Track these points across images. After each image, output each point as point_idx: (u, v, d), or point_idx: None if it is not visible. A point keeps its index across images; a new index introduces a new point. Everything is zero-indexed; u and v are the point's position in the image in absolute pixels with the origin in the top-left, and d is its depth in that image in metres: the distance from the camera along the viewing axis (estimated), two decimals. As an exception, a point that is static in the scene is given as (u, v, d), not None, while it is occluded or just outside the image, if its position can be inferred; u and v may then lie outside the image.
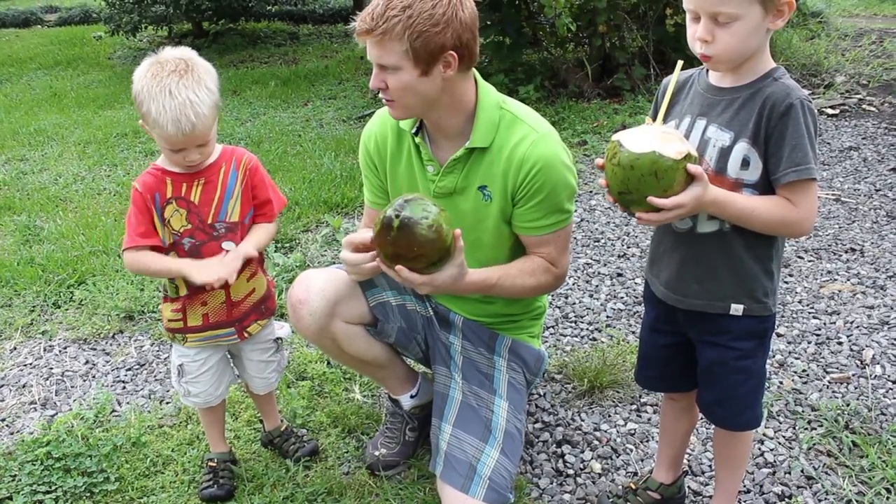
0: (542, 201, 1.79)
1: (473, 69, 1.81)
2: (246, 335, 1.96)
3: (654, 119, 1.48)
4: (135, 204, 1.82)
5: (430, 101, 1.74)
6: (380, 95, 1.77)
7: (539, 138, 1.77)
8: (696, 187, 1.38)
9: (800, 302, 2.88)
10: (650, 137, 1.37)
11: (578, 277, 3.17)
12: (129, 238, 1.82)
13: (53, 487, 2.07)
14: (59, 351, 2.86)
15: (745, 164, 1.45)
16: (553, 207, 1.80)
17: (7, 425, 2.44)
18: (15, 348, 2.90)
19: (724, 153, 1.47)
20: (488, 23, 5.45)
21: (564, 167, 1.79)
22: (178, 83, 1.69)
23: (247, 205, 1.89)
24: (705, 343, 1.62)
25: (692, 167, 1.37)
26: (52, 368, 2.75)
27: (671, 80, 1.51)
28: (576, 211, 3.18)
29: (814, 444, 2.13)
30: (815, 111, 1.44)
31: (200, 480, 2.06)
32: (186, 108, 1.68)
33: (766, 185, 1.46)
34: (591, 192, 4.11)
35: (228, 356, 2.07)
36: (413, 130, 1.87)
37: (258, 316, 1.97)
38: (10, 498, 2.05)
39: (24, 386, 2.65)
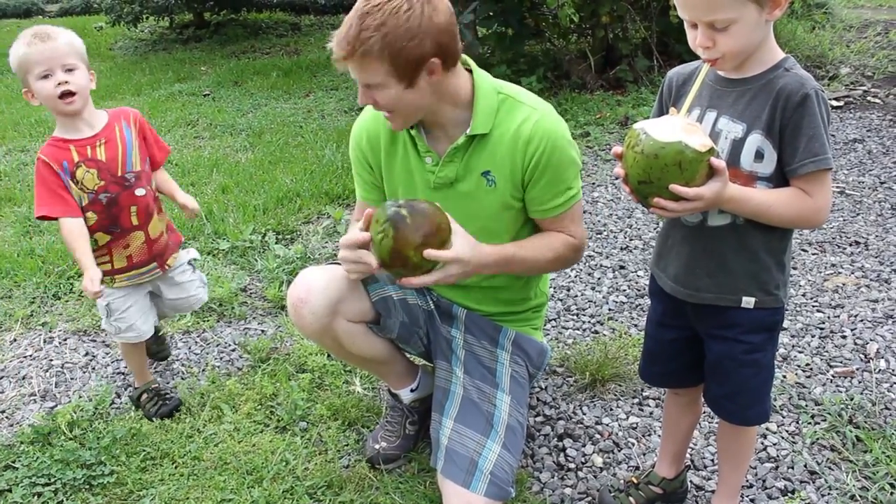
0: (552, 180, 1.78)
1: (466, 58, 1.80)
2: (167, 267, 2.29)
3: (678, 110, 1.44)
4: (40, 174, 2.05)
5: (424, 107, 1.74)
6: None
7: (541, 117, 1.77)
8: (717, 182, 1.36)
9: (804, 295, 2.86)
10: (675, 128, 1.34)
11: (580, 270, 3.16)
12: (43, 208, 2.05)
13: (52, 480, 2.06)
14: (59, 342, 2.85)
15: (759, 156, 1.43)
16: (563, 185, 1.80)
17: (7, 417, 2.43)
18: (15, 340, 2.89)
19: (737, 145, 1.44)
20: (490, 14, 5.41)
21: (568, 143, 1.80)
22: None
23: (144, 153, 2.19)
24: (714, 337, 1.60)
25: (715, 161, 1.34)
26: (51, 360, 2.74)
27: (699, 75, 1.46)
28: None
29: (817, 439, 2.11)
30: (828, 100, 1.42)
31: (146, 405, 2.33)
32: None
33: (779, 178, 1.43)
34: (593, 183, 4.09)
35: (148, 297, 2.35)
36: None
37: (173, 248, 2.32)
38: (10, 490, 2.04)
39: (23, 378, 2.65)
